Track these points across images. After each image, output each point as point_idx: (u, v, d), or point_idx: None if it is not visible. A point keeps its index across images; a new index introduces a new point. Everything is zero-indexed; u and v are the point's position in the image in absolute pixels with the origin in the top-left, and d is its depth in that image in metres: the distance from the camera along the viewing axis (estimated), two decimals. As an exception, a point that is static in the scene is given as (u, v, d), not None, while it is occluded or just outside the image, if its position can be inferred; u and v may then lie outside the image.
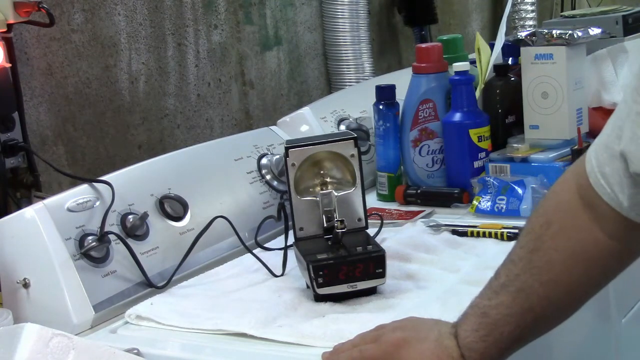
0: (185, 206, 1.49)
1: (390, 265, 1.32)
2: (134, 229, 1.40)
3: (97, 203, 1.39)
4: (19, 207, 1.57)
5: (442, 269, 1.39)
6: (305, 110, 1.90)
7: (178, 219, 1.48)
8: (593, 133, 1.82)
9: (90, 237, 1.34)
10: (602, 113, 1.89)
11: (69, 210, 1.35)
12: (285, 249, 1.45)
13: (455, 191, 1.72)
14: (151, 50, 2.08)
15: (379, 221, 1.54)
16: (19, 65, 1.73)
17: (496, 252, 1.43)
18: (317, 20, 2.61)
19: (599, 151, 0.99)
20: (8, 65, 1.63)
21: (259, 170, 1.67)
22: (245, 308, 1.29)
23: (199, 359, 1.21)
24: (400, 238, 1.51)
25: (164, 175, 1.52)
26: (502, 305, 1.02)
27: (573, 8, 3.84)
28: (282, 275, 1.42)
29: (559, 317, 1.06)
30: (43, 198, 1.43)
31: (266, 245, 1.54)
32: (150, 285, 1.39)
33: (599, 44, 1.94)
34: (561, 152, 1.71)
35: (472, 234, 1.53)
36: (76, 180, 1.51)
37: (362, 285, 1.28)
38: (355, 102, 1.98)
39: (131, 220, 1.40)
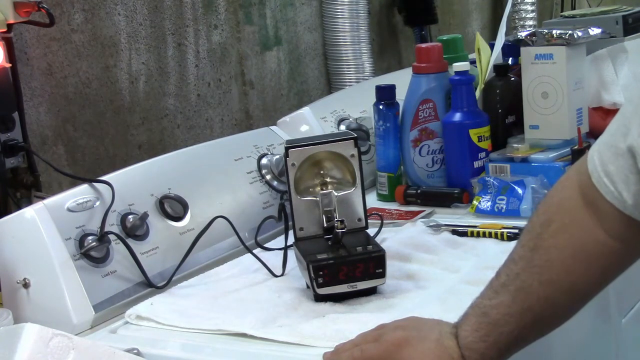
0: (185, 206, 1.49)
1: (390, 265, 1.31)
2: (134, 229, 1.40)
3: (97, 203, 1.39)
4: (19, 207, 1.57)
5: (442, 269, 1.39)
6: (305, 110, 1.90)
7: (178, 219, 1.48)
8: (593, 133, 1.82)
9: (90, 237, 1.34)
10: (602, 113, 1.89)
11: (69, 210, 1.35)
12: (285, 249, 1.45)
13: (455, 191, 1.72)
14: (151, 50, 2.08)
15: (379, 221, 1.54)
16: (19, 65, 1.73)
17: (496, 252, 1.43)
18: (317, 20, 2.61)
19: (602, 150, 0.99)
20: (8, 65, 1.63)
21: (259, 170, 1.67)
22: (245, 308, 1.29)
23: (199, 359, 1.21)
24: (400, 238, 1.51)
25: (164, 175, 1.52)
26: (501, 305, 1.02)
27: (573, 8, 3.84)
28: (282, 275, 1.42)
29: (558, 318, 1.05)
30: (43, 198, 1.43)
31: (266, 245, 1.54)
32: (150, 285, 1.39)
33: (599, 44, 1.94)
34: (561, 152, 1.71)
35: (472, 234, 1.53)
36: (76, 180, 1.51)
37: (362, 285, 1.28)
38: (355, 102, 1.98)
39: (131, 220, 1.40)
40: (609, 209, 0.98)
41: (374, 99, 1.80)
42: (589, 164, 1.00)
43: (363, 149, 1.85)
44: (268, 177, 1.67)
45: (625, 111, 0.97)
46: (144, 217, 1.41)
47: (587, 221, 1.00)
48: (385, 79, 2.10)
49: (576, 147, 1.67)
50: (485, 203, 1.64)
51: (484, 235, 1.52)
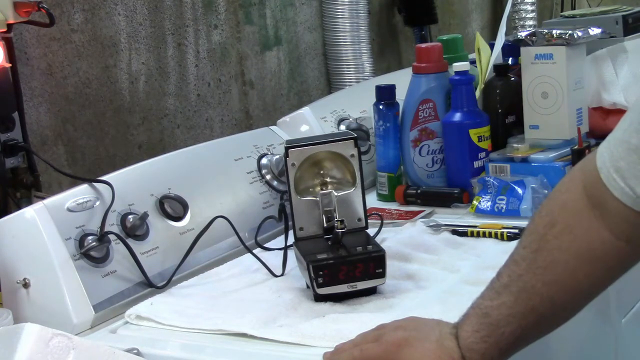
0: (185, 206, 1.49)
1: (390, 265, 1.31)
2: (134, 229, 1.40)
3: (97, 203, 1.39)
4: (19, 207, 1.57)
5: (442, 269, 1.39)
6: (305, 110, 1.90)
7: (178, 219, 1.48)
8: (593, 133, 1.83)
9: (90, 237, 1.34)
10: (602, 113, 1.89)
11: (69, 210, 1.35)
12: (285, 249, 1.45)
13: (455, 191, 1.72)
14: (151, 50, 2.08)
15: (379, 221, 1.54)
16: (19, 65, 1.73)
17: (496, 252, 1.43)
18: (317, 20, 2.61)
19: (613, 146, 0.98)
20: (8, 65, 1.63)
21: (259, 170, 1.67)
22: (245, 308, 1.29)
23: (199, 359, 1.21)
24: (400, 238, 1.51)
25: (164, 175, 1.52)
26: (504, 305, 1.02)
27: (573, 8, 3.84)
28: (282, 275, 1.42)
29: (561, 318, 1.05)
30: (43, 198, 1.43)
31: (266, 245, 1.54)
32: (150, 285, 1.39)
33: (599, 44, 1.94)
34: (561, 152, 1.71)
35: (472, 234, 1.53)
36: (76, 180, 1.51)
37: (362, 285, 1.28)
38: (355, 102, 1.98)
39: (131, 220, 1.40)
40: (616, 207, 0.97)
41: (374, 99, 1.80)
42: (598, 161, 0.99)
43: (363, 149, 1.85)
44: (268, 177, 1.67)
45: (638, 108, 0.96)
46: (144, 217, 1.41)
47: (592, 222, 0.99)
48: (385, 79, 2.10)
49: (576, 147, 1.67)
50: (485, 203, 1.64)
51: (484, 235, 1.52)
